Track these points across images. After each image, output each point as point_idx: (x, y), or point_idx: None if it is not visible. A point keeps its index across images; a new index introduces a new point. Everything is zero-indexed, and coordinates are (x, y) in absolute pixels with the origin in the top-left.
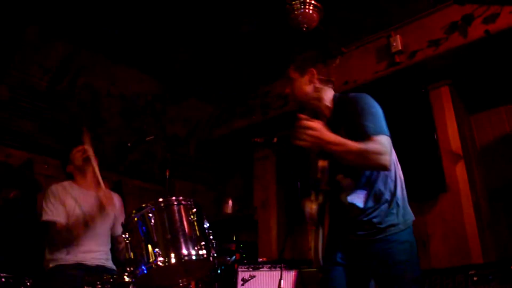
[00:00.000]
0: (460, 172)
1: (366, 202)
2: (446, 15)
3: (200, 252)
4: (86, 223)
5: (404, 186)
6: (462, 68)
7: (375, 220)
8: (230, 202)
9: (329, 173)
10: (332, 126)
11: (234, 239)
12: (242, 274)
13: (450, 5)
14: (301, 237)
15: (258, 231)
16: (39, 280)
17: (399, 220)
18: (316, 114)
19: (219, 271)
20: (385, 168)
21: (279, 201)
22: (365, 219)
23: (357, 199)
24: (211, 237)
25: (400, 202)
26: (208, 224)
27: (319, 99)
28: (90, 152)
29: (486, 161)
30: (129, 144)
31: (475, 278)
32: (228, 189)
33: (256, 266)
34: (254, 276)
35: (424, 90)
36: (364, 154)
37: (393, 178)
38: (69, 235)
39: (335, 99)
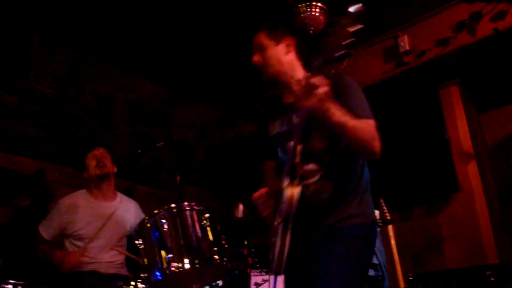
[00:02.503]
0: (472, 172)
1: (331, 191)
2: (453, 14)
3: (214, 257)
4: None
5: (369, 181)
6: (471, 66)
7: (335, 210)
8: (241, 206)
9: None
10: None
11: (245, 243)
12: (255, 278)
13: (457, 3)
14: None
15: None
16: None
17: (359, 211)
18: (286, 91)
19: (232, 276)
20: (376, 154)
21: None
22: (325, 210)
23: (322, 188)
24: (224, 242)
25: (362, 192)
26: (220, 229)
27: (293, 73)
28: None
29: (497, 160)
30: (139, 151)
31: (492, 279)
32: (238, 193)
33: (269, 270)
34: (267, 280)
35: (433, 90)
36: (363, 132)
37: (360, 165)
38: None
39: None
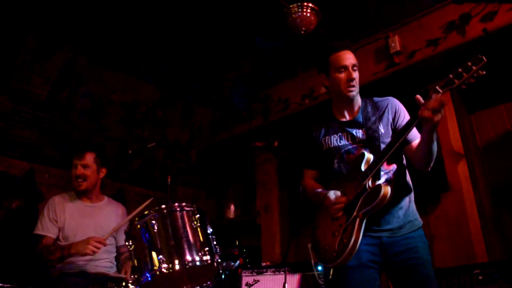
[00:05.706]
0: (462, 171)
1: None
2: (443, 15)
3: (204, 258)
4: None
5: None
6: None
7: (400, 212)
8: (232, 207)
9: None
10: (354, 124)
11: (237, 244)
12: (246, 278)
13: (447, 4)
14: (304, 241)
15: (261, 235)
16: None
17: (417, 215)
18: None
19: (223, 277)
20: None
21: (282, 204)
22: (394, 210)
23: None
24: (215, 242)
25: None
26: (211, 230)
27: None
28: (88, 171)
29: (488, 159)
30: (130, 152)
31: (480, 277)
32: (230, 194)
33: (260, 271)
34: (258, 281)
35: (424, 90)
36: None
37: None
38: (56, 252)
39: (362, 100)
